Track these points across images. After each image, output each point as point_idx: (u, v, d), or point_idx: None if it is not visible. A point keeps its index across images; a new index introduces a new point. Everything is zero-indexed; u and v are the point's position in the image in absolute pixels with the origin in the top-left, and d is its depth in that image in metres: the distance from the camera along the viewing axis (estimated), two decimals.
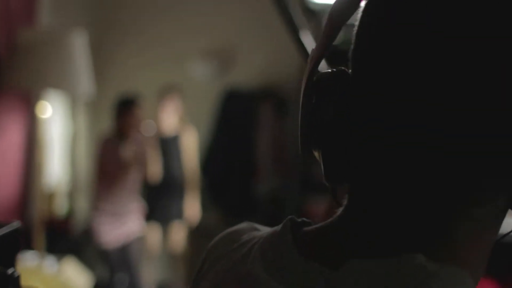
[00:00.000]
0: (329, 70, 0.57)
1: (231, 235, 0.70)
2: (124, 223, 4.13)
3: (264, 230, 0.68)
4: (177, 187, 4.66)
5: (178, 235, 4.76)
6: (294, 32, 1.14)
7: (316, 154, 0.59)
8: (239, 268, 0.62)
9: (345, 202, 0.59)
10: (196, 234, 5.00)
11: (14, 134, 3.36)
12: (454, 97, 0.49)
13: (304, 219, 0.63)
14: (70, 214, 4.43)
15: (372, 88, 0.54)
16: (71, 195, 4.64)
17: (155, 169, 4.35)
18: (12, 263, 0.74)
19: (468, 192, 0.51)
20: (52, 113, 4.12)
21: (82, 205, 5.03)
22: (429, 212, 0.52)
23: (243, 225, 0.72)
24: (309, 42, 1.14)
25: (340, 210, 0.59)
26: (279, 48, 5.31)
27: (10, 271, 0.68)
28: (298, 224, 0.62)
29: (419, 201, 0.52)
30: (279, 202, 5.11)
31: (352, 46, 0.57)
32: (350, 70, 0.57)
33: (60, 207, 4.56)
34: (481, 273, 0.55)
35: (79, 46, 3.26)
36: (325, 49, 0.57)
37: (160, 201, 4.58)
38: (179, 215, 4.68)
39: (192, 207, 4.74)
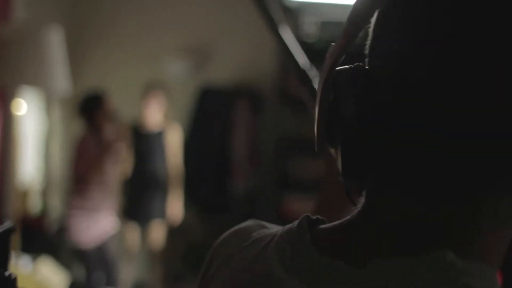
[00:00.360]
0: (348, 66, 0.56)
1: (240, 233, 0.69)
2: (98, 220, 4.09)
3: (272, 227, 0.67)
4: (160, 185, 4.63)
5: (158, 234, 4.73)
6: (273, 27, 1.13)
7: (332, 151, 0.59)
8: (256, 268, 0.61)
9: (362, 199, 0.59)
10: (172, 232, 4.98)
11: None
12: (453, 97, 0.49)
13: (318, 216, 0.62)
14: (44, 212, 4.37)
15: (377, 87, 0.54)
16: (46, 193, 4.58)
17: (127, 164, 4.31)
18: (5, 264, 0.73)
19: (483, 188, 0.51)
20: (27, 110, 4.06)
21: (57, 203, 4.97)
22: (451, 210, 0.52)
23: (250, 222, 0.70)
24: (289, 38, 1.13)
25: (357, 207, 0.59)
26: (255, 45, 5.32)
27: (7, 273, 0.66)
28: (313, 222, 0.61)
29: (438, 200, 0.52)
30: (255, 200, 5.12)
31: (369, 43, 0.57)
32: (367, 67, 0.57)
33: (35, 205, 4.50)
34: (498, 268, 0.56)
35: (54, 42, 3.22)
36: (347, 46, 0.56)
37: (141, 199, 4.54)
38: (160, 213, 4.65)
39: (175, 206, 4.71)
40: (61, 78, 3.26)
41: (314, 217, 0.62)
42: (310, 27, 5.05)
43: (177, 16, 5.30)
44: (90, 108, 4.09)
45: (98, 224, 4.10)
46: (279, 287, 0.57)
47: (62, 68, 3.26)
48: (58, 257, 4.08)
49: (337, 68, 0.56)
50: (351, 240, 0.57)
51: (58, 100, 5.09)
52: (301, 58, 1.13)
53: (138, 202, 4.54)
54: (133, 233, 4.63)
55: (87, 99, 4.15)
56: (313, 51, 1.53)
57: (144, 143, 4.55)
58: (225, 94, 5.19)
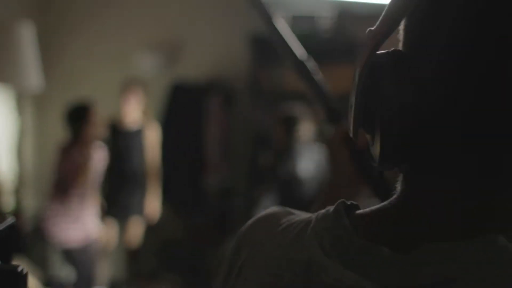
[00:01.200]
0: (387, 51, 0.56)
1: (268, 220, 0.68)
2: (81, 226, 4.07)
3: (299, 214, 0.67)
4: (138, 182, 4.60)
5: (136, 231, 4.70)
6: (267, 19, 1.13)
7: (368, 137, 0.59)
8: (294, 254, 0.60)
9: (400, 185, 0.58)
10: (147, 229, 4.95)
11: None
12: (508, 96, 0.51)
13: (353, 202, 0.62)
14: (17, 211, 4.30)
15: (420, 74, 0.54)
16: (18, 192, 4.50)
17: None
18: (10, 260, 0.72)
19: None
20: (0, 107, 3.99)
21: (30, 202, 4.90)
22: (497, 194, 0.53)
23: (277, 209, 0.69)
24: (284, 30, 1.13)
25: (396, 193, 0.58)
26: (226, 40, 5.32)
27: (19, 268, 0.66)
28: (348, 208, 0.61)
29: (483, 183, 0.53)
30: (229, 196, 5.12)
31: (407, 28, 0.57)
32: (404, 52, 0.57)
33: (7, 204, 4.42)
34: None
35: (26, 38, 3.17)
36: (388, 33, 0.56)
37: (119, 196, 4.51)
38: (138, 210, 4.62)
39: (153, 203, 4.68)
40: (33, 75, 3.21)
41: (348, 203, 0.61)
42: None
43: (149, 11, 5.28)
44: (77, 119, 4.02)
45: (80, 228, 4.07)
46: (323, 273, 0.56)
47: (34, 64, 3.22)
48: (33, 257, 4.02)
49: (378, 52, 0.56)
50: (393, 225, 0.57)
51: (30, 97, 5.01)
52: (298, 50, 1.13)
53: (116, 199, 4.51)
54: (110, 230, 4.59)
55: (74, 109, 4.07)
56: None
57: (122, 140, 4.52)
58: (197, 90, 5.17)
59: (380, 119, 0.55)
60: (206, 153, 5.12)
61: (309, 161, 4.18)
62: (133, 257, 4.82)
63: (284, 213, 0.67)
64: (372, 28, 0.57)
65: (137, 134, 4.61)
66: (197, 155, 5.12)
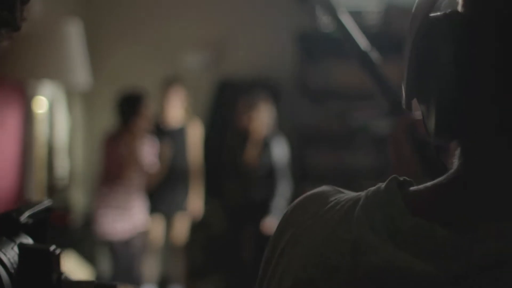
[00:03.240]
0: (444, 13, 0.52)
1: (316, 198, 0.64)
2: (128, 218, 4.11)
3: (349, 193, 0.63)
4: (182, 179, 4.63)
5: (181, 227, 4.74)
6: (332, 12, 1.13)
7: (423, 107, 0.55)
8: (341, 233, 0.57)
9: (457, 160, 0.55)
10: (194, 226, 4.99)
11: (11, 128, 3.31)
12: None
13: (406, 178, 0.58)
14: (68, 207, 4.39)
15: (480, 37, 0.50)
16: (69, 188, 4.59)
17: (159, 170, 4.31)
18: (45, 241, 0.73)
19: None
20: (49, 105, 4.07)
21: (81, 198, 4.99)
22: None
23: (325, 187, 0.66)
24: (348, 22, 1.14)
25: (453, 168, 0.55)
26: (273, 38, 5.31)
27: (52, 248, 0.65)
28: (402, 184, 0.57)
29: None
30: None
31: None
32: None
33: (59, 200, 4.51)
34: None
35: (74, 36, 3.22)
36: None
37: (164, 193, 4.54)
38: (183, 207, 4.65)
39: (196, 200, 4.71)
40: (81, 72, 3.26)
41: (401, 179, 0.57)
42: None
43: (196, 10, 5.31)
44: (128, 108, 4.04)
45: (128, 220, 4.12)
46: (372, 254, 0.53)
47: (82, 62, 3.27)
48: (83, 252, 4.09)
49: (431, 15, 0.52)
50: (448, 202, 0.53)
51: (79, 95, 5.11)
52: (362, 42, 1.12)
53: (161, 196, 4.54)
54: (157, 227, 4.64)
55: (126, 98, 4.11)
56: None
57: (166, 138, 4.55)
58: (243, 87, 5.17)
59: (435, 87, 0.51)
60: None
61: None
62: (180, 254, 4.86)
63: (332, 192, 0.64)
64: None
65: (181, 132, 4.64)
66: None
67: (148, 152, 4.18)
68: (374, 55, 1.13)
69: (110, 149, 4.04)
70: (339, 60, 5.15)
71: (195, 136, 4.73)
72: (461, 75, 0.50)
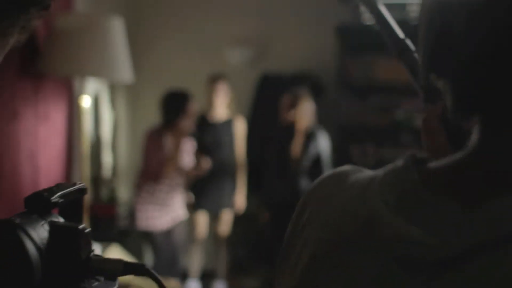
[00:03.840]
0: None
1: (336, 176, 0.65)
2: (168, 213, 4.17)
3: (368, 172, 0.64)
4: (227, 174, 4.67)
5: (226, 222, 4.78)
6: (371, 3, 1.15)
7: (441, 83, 0.54)
8: (357, 209, 0.57)
9: (475, 135, 0.54)
10: (239, 221, 5.03)
11: (57, 122, 3.39)
12: None
13: (423, 154, 0.58)
14: (114, 201, 4.47)
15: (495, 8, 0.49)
16: (114, 182, 4.68)
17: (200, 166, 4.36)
18: (78, 222, 0.75)
19: None
20: (94, 100, 4.15)
21: (125, 192, 5.08)
22: None
23: (347, 167, 0.67)
24: (386, 13, 1.15)
25: (471, 144, 0.55)
26: (315, 32, 5.30)
27: (81, 226, 0.68)
28: (419, 161, 0.57)
29: None
30: None
31: None
32: None
33: (103, 194, 4.60)
34: None
35: (118, 33, 3.27)
36: None
37: (209, 188, 4.59)
38: (228, 202, 4.69)
39: (240, 194, 4.74)
40: (124, 68, 3.31)
41: (419, 156, 0.58)
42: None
43: (237, 5, 5.34)
44: (174, 107, 4.09)
45: (169, 213, 4.18)
46: (385, 228, 0.53)
47: (126, 58, 3.32)
48: (128, 245, 4.16)
49: None
50: (464, 178, 0.53)
51: (123, 90, 5.19)
52: (400, 32, 1.13)
53: (206, 191, 4.59)
54: (202, 222, 4.68)
55: (173, 96, 4.15)
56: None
57: (212, 133, 4.59)
58: (285, 82, 5.18)
59: (454, 61, 0.51)
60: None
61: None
62: (223, 249, 4.89)
63: (353, 170, 0.65)
64: None
65: (226, 127, 4.67)
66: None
67: (189, 151, 4.22)
68: (411, 44, 1.13)
69: (151, 147, 4.09)
70: (381, 53, 5.11)
71: (239, 131, 4.76)
72: (478, 50, 0.49)
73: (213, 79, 4.65)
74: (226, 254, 4.91)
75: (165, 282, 0.67)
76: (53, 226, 0.66)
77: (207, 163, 4.25)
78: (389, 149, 5.06)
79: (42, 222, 0.65)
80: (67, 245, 0.65)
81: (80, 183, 0.79)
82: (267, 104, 5.25)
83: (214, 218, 4.77)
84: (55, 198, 0.69)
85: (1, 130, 2.85)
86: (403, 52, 1.13)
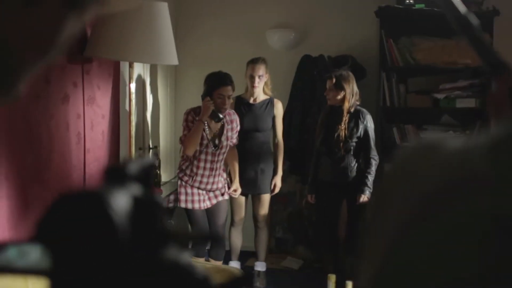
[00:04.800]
0: None
1: (427, 146, 0.61)
2: (209, 194, 4.27)
3: (455, 139, 0.59)
4: (266, 156, 4.71)
5: (264, 205, 4.81)
6: None
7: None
8: (452, 171, 0.54)
9: None
10: (277, 201, 5.05)
11: (102, 103, 3.47)
12: None
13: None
14: (157, 183, 4.55)
15: None
16: (157, 163, 4.75)
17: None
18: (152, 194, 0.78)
19: None
20: (137, 83, 4.22)
21: (169, 173, 5.18)
22: None
23: (428, 138, 0.62)
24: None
25: None
26: (356, 15, 5.27)
27: (159, 198, 0.71)
28: None
29: None
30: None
31: None
32: None
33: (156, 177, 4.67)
34: None
35: (163, 17, 3.32)
36: None
37: (249, 170, 4.64)
38: (268, 184, 4.73)
39: (278, 176, 4.77)
40: (169, 53, 3.37)
41: None
42: None
43: None
44: (212, 86, 4.16)
45: (208, 197, 4.27)
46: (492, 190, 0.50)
47: (171, 43, 3.37)
48: (173, 224, 4.24)
49: None
50: None
51: (164, 73, 5.26)
52: (461, 6, 1.14)
53: (246, 173, 4.63)
54: (241, 203, 4.73)
55: (211, 77, 4.23)
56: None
57: (252, 116, 4.62)
58: (327, 65, 5.17)
59: None
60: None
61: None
62: (263, 230, 4.93)
63: (439, 139, 0.61)
64: None
65: (264, 109, 4.70)
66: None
67: (229, 131, 4.28)
68: (473, 18, 1.14)
69: (189, 123, 4.19)
70: (422, 36, 5.06)
71: (278, 113, 4.78)
72: None
73: (252, 62, 4.68)
74: (266, 235, 4.95)
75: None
76: (132, 197, 0.69)
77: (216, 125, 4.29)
78: (431, 131, 5.03)
79: (123, 194, 0.69)
80: (145, 217, 0.69)
81: (149, 158, 0.82)
82: (308, 86, 5.26)
83: (254, 200, 4.81)
84: (133, 171, 0.73)
85: (52, 112, 2.94)
86: (466, 29, 1.13)
